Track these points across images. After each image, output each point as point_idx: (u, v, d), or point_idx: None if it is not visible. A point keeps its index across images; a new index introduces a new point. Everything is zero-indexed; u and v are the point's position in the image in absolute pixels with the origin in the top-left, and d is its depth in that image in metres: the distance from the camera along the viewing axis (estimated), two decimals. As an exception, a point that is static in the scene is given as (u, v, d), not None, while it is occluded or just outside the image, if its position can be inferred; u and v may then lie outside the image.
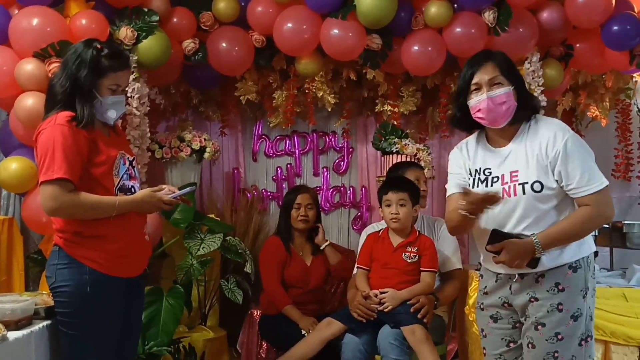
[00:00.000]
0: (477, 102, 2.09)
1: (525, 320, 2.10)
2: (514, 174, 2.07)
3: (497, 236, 2.04)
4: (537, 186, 2.03)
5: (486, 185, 2.12)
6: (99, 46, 2.17)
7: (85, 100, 2.13)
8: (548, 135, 2.05)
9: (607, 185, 2.02)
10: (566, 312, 2.02)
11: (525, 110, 2.10)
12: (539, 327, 2.05)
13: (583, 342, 2.04)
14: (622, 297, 2.88)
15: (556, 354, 2.03)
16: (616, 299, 2.87)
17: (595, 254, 3.31)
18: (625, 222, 3.28)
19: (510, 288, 2.13)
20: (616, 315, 2.82)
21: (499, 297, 2.16)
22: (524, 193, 2.04)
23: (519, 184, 2.05)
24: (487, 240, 2.06)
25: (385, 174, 3.55)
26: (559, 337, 2.02)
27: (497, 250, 2.02)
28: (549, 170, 2.03)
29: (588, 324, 2.06)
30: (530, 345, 2.07)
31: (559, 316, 2.03)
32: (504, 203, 2.05)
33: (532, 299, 2.07)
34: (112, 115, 2.21)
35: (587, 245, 2.09)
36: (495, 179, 2.11)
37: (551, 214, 2.05)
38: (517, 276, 2.11)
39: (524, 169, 2.06)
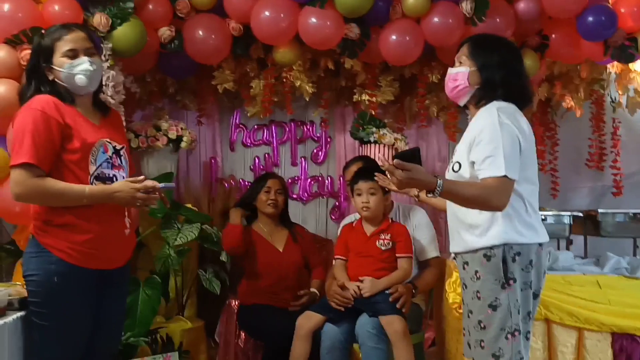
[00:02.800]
0: None
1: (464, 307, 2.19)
2: (455, 153, 2.21)
3: (414, 156, 2.03)
4: (456, 166, 2.15)
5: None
6: (43, 31, 2.20)
7: (43, 80, 2.13)
8: (475, 123, 2.13)
9: (504, 176, 1.98)
10: (483, 300, 2.07)
11: (482, 94, 2.15)
12: (469, 314, 2.13)
13: (510, 337, 2.04)
14: (595, 284, 2.93)
15: (482, 343, 2.07)
16: (590, 286, 2.92)
17: (570, 241, 3.43)
18: (599, 210, 3.33)
19: (458, 270, 2.23)
20: (590, 302, 2.87)
21: (461, 279, 2.25)
22: (448, 172, 2.19)
23: (451, 163, 2.19)
24: (399, 153, 2.11)
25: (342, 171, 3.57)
26: (482, 325, 2.07)
27: (400, 167, 1.95)
28: (467, 156, 2.09)
29: (514, 318, 2.04)
30: (468, 332, 2.15)
31: (478, 304, 2.09)
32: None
33: (464, 286, 2.17)
34: (81, 81, 2.14)
35: (503, 232, 2.05)
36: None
37: None
38: (452, 254, 2.25)
39: (458, 149, 2.18)
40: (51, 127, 2.04)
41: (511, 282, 2.05)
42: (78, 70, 2.14)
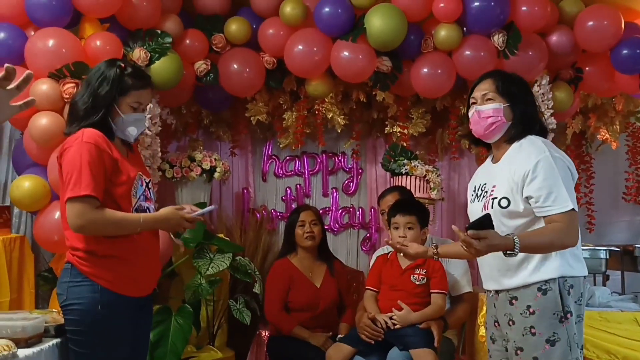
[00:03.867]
0: (471, 115, 2.20)
1: (508, 344, 2.10)
2: (493, 189, 2.13)
3: (484, 223, 1.95)
4: (504, 202, 2.07)
5: (479, 200, 2.18)
6: (122, 65, 2.22)
7: (105, 115, 2.17)
8: (523, 157, 2.08)
9: (572, 209, 1.97)
10: (539, 335, 2.01)
11: (519, 129, 2.13)
12: (518, 351, 2.05)
13: None
14: (634, 322, 2.86)
15: None
16: (628, 323, 2.85)
17: (606, 277, 3.35)
18: (637, 245, 3.26)
19: (494, 306, 2.16)
20: (628, 339, 2.79)
21: (491, 316, 2.19)
22: (492, 207, 2.09)
23: (492, 198, 2.10)
24: (471, 223, 1.97)
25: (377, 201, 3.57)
26: None
27: (476, 237, 1.90)
28: (519, 190, 2.04)
29: (574, 353, 2.00)
30: None
31: (532, 340, 2.01)
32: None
33: (510, 322, 2.08)
34: (132, 132, 2.24)
35: (559, 266, 2.02)
36: (485, 194, 2.16)
37: (518, 231, 2.04)
38: (492, 292, 2.16)
39: (500, 184, 2.10)
40: (104, 161, 2.10)
41: (569, 315, 2.01)
42: (136, 124, 2.23)
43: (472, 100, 2.20)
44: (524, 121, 2.14)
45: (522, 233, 2.00)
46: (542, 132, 2.18)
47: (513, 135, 2.14)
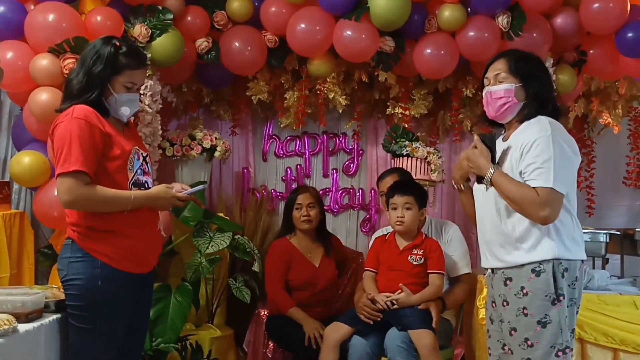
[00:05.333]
0: (483, 96, 2.21)
1: (503, 325, 2.13)
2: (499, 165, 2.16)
3: (490, 141, 2.16)
4: None
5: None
6: (117, 43, 2.19)
7: (100, 94, 2.16)
8: (526, 134, 2.09)
9: (552, 189, 1.99)
10: (531, 317, 2.03)
11: (532, 109, 2.14)
12: (512, 331, 2.08)
13: (560, 354, 2.02)
14: (632, 305, 2.86)
15: None
16: (626, 306, 2.86)
17: (606, 260, 3.36)
18: (637, 229, 3.26)
19: (492, 286, 2.19)
20: (626, 322, 2.80)
21: (490, 296, 2.22)
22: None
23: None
24: (484, 135, 2.19)
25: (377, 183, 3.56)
26: (529, 343, 2.03)
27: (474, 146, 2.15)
28: (517, 166, 2.07)
29: (564, 335, 2.03)
30: (509, 351, 2.10)
31: (525, 321, 2.04)
32: (489, 192, 2.15)
33: (505, 303, 2.11)
34: (125, 112, 2.23)
35: (554, 248, 2.04)
36: None
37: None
38: (489, 271, 2.20)
39: (504, 162, 2.13)
40: (95, 136, 2.10)
41: (561, 298, 2.02)
42: (129, 104, 2.22)
43: (485, 81, 2.20)
44: (537, 101, 2.13)
45: (502, 171, 2.09)
46: (555, 113, 2.16)
47: (526, 115, 2.15)
